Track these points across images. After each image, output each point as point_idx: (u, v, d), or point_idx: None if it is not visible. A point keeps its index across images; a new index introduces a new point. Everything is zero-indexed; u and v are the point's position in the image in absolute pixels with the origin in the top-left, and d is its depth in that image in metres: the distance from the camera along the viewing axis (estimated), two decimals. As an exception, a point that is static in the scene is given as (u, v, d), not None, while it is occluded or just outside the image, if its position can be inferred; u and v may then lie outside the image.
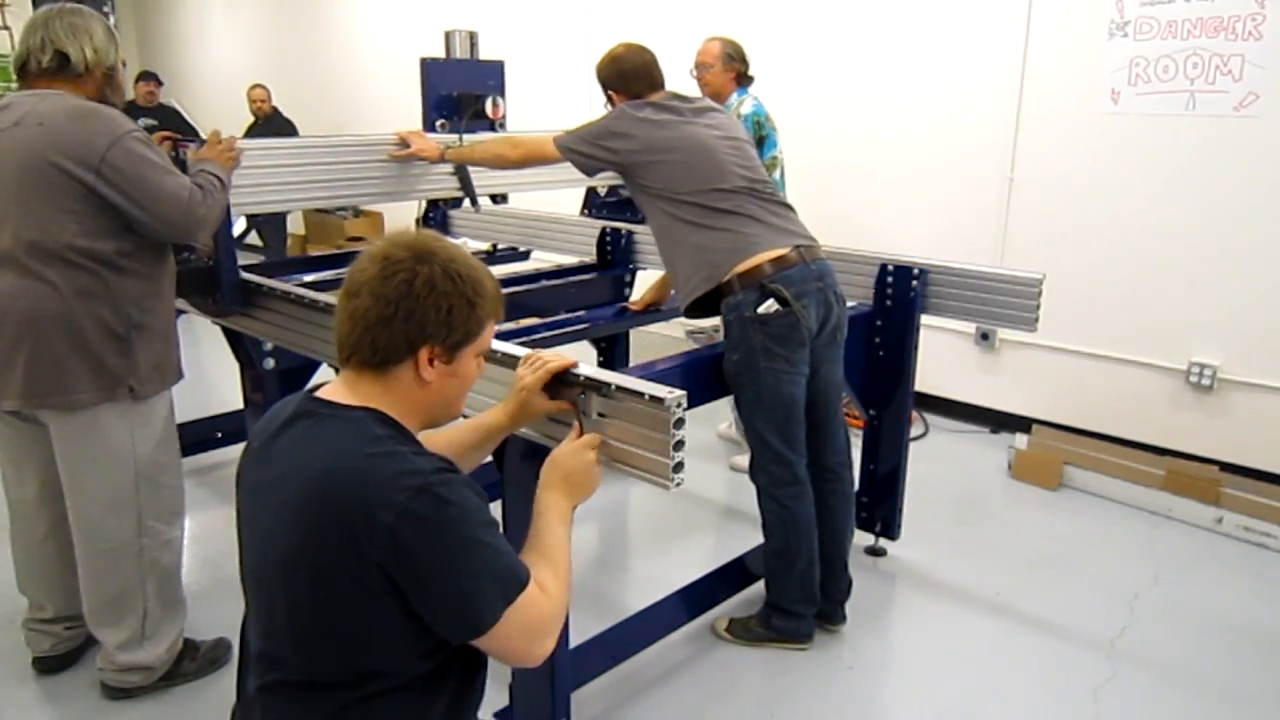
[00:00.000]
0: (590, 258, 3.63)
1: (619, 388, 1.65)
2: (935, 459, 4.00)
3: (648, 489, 2.14)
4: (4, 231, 2.02)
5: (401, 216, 5.87)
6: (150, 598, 2.31)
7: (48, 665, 2.46)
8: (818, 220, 2.76)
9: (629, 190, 2.54)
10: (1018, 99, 4.02)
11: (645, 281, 3.44)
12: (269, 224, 7.06)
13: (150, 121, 6.33)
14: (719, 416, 4.26)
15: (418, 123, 3.50)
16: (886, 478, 3.05)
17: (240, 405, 3.11)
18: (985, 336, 4.35)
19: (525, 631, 1.20)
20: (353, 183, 2.99)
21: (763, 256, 2.31)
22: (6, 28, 6.78)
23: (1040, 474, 3.78)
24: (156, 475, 2.27)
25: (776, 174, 3.54)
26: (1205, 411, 3.75)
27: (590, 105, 3.28)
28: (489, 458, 1.73)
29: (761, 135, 3.46)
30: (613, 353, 3.86)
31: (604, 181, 3.51)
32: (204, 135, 2.49)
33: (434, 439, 1.48)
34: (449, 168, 3.17)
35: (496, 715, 2.10)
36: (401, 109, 4.26)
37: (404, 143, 3.04)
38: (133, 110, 6.36)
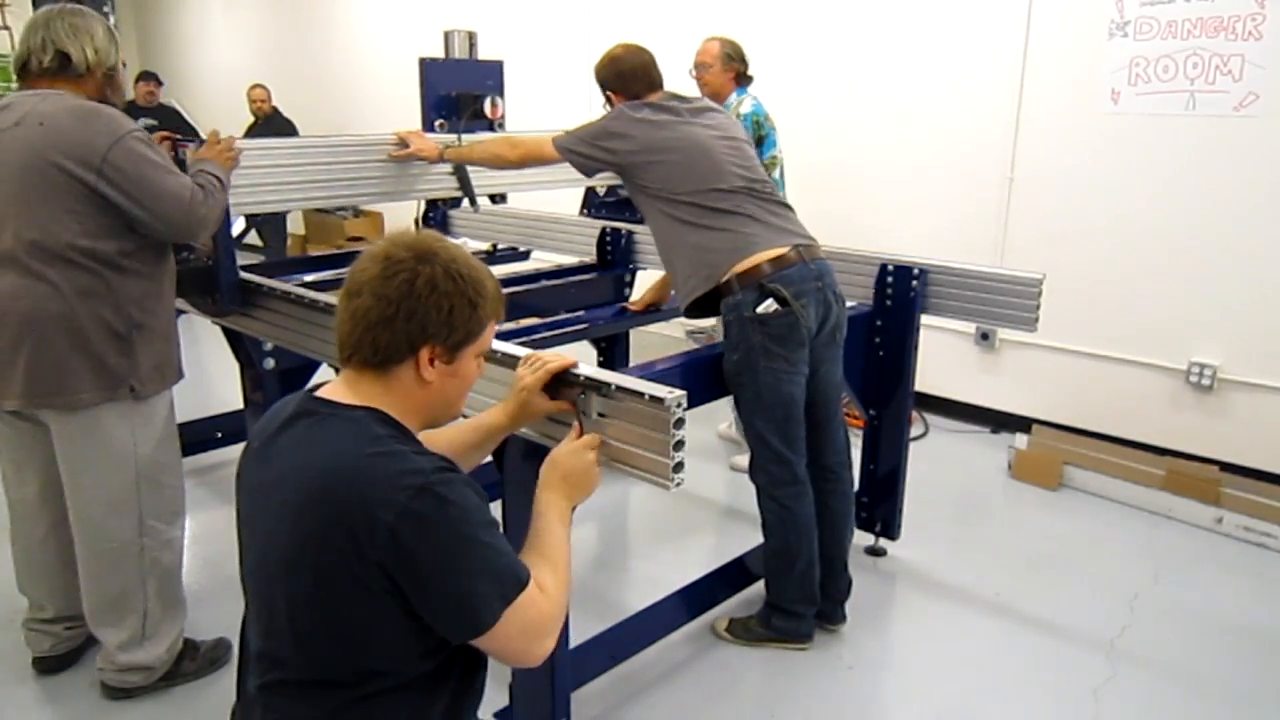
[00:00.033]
0: (590, 258, 3.63)
1: (619, 388, 1.65)
2: (935, 459, 4.00)
3: (648, 489, 2.14)
4: (5, 231, 2.02)
5: (401, 216, 5.88)
6: (151, 597, 2.31)
7: (48, 665, 2.46)
8: (817, 220, 2.76)
9: (628, 191, 2.54)
10: (1018, 99, 4.02)
11: (645, 281, 3.44)
12: (269, 224, 7.06)
13: (150, 121, 6.32)
14: (719, 416, 4.26)
15: (417, 123, 3.50)
16: (886, 478, 3.05)
17: (240, 405, 3.11)
18: (985, 336, 4.35)
19: (525, 632, 1.20)
20: (352, 183, 3.00)
21: (761, 256, 2.31)
22: (6, 28, 6.77)
23: (1040, 474, 3.78)
24: (157, 475, 2.27)
25: (776, 173, 3.54)
26: (1205, 411, 3.75)
27: (590, 105, 3.28)
28: (489, 458, 1.73)
29: (761, 135, 3.46)
30: (613, 353, 3.86)
31: (603, 182, 3.51)
32: (204, 135, 2.49)
33: (434, 439, 1.48)
34: (448, 168, 3.17)
35: (496, 715, 2.10)
36: (401, 109, 4.26)
37: (403, 143, 3.04)
38: (133, 110, 6.35)
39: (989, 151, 4.14)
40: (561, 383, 1.70)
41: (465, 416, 1.61)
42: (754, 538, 2.71)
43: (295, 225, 8.08)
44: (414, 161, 3.09)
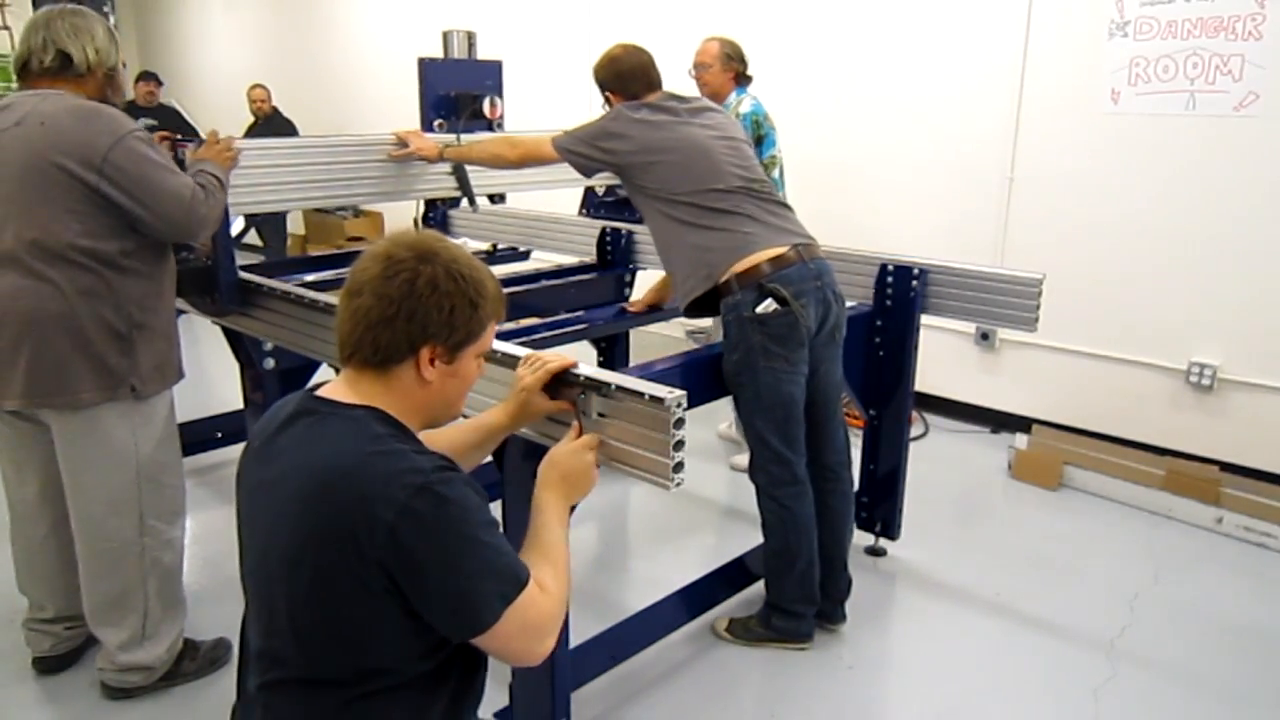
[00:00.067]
0: (590, 258, 3.62)
1: (619, 388, 1.65)
2: (935, 459, 4.00)
3: (648, 489, 2.14)
4: (6, 231, 2.02)
5: (402, 216, 5.88)
6: (151, 597, 2.31)
7: (48, 665, 2.46)
8: (817, 220, 2.76)
9: (626, 191, 2.54)
10: (1018, 99, 4.02)
11: (645, 281, 3.44)
12: (269, 224, 7.06)
13: (150, 121, 6.32)
14: (719, 416, 4.26)
15: (417, 123, 3.50)
16: (886, 478, 3.05)
17: (240, 405, 3.11)
18: (985, 336, 4.35)
19: (525, 631, 1.20)
20: (351, 183, 3.00)
21: (761, 255, 2.31)
22: (6, 28, 6.77)
23: (1040, 474, 3.78)
24: (158, 475, 2.27)
25: (775, 173, 3.54)
26: (1205, 411, 3.75)
27: (589, 105, 3.28)
28: (489, 457, 1.73)
29: (760, 134, 3.46)
30: (613, 353, 3.86)
31: (602, 182, 3.51)
32: (204, 135, 2.49)
33: (434, 438, 1.48)
34: (447, 168, 3.17)
35: (496, 715, 2.10)
36: (401, 109, 4.26)
37: (402, 142, 3.04)
38: (133, 110, 6.35)
39: (989, 151, 4.14)
40: (561, 383, 1.70)
41: (465, 416, 1.62)
42: (754, 538, 2.71)
43: (295, 225, 8.08)
44: (413, 161, 3.09)
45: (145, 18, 10.47)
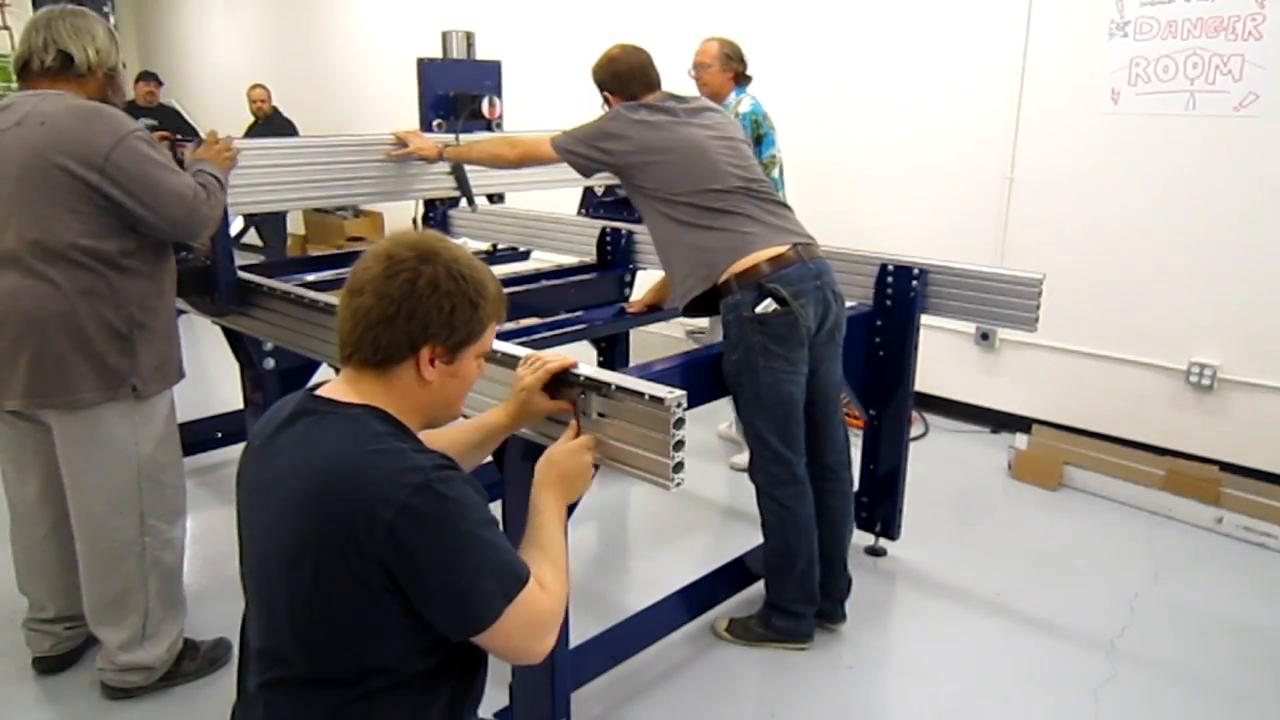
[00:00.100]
0: (590, 258, 3.63)
1: (619, 388, 1.65)
2: (935, 459, 4.00)
3: (648, 489, 2.14)
4: (7, 231, 2.02)
5: (402, 217, 5.88)
6: (152, 597, 2.31)
7: (48, 665, 2.46)
8: (817, 219, 2.76)
9: (625, 191, 2.54)
10: (1018, 99, 4.02)
11: (646, 282, 3.44)
12: (268, 224, 7.06)
13: (150, 121, 6.32)
14: (719, 416, 4.26)
15: (417, 123, 3.50)
16: (886, 478, 3.05)
17: (240, 405, 3.11)
18: (985, 336, 4.35)
19: (526, 628, 1.20)
20: (350, 183, 3.00)
21: (760, 255, 2.31)
22: (6, 28, 6.76)
23: (1040, 474, 3.78)
24: (158, 474, 2.27)
25: (775, 173, 3.55)
26: (1205, 411, 3.75)
27: (589, 105, 3.28)
28: (489, 457, 1.73)
29: (760, 134, 3.47)
30: (613, 353, 3.86)
31: (601, 182, 3.51)
32: (204, 135, 2.49)
33: (434, 438, 1.48)
34: (446, 167, 3.17)
35: (496, 715, 2.10)
36: (401, 109, 4.26)
37: (401, 142, 3.04)
38: (133, 110, 6.33)
39: (989, 151, 4.14)
40: (561, 383, 1.70)
41: (465, 416, 1.62)
42: (754, 538, 2.71)
43: (295, 225, 8.08)
44: (412, 161, 3.09)
45: (145, 18, 10.47)
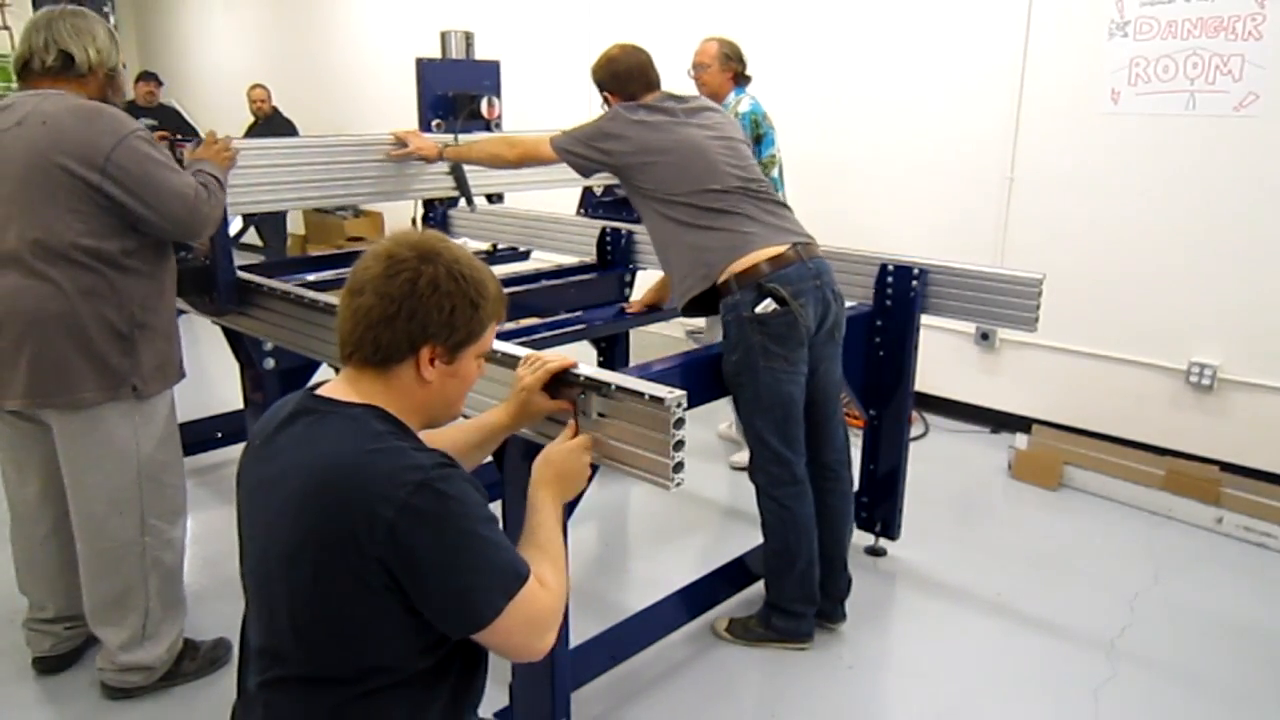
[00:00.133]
0: (590, 258, 3.63)
1: (619, 388, 1.65)
2: (935, 459, 4.00)
3: (648, 489, 2.14)
4: (9, 231, 2.02)
5: (402, 217, 5.88)
6: (152, 597, 2.31)
7: (48, 665, 2.46)
8: (816, 219, 2.76)
9: (625, 191, 2.54)
10: (1018, 99, 4.02)
11: (645, 282, 3.44)
12: (268, 224, 7.06)
13: (150, 121, 6.32)
14: (719, 416, 4.26)
15: (416, 123, 3.50)
16: (886, 478, 3.05)
17: (240, 405, 3.11)
18: (985, 336, 4.35)
19: (526, 626, 1.20)
20: (350, 183, 3.00)
21: (759, 255, 2.31)
22: (6, 28, 6.76)
23: (1040, 474, 3.78)
24: (159, 474, 2.27)
25: (774, 173, 3.55)
26: (1205, 411, 3.75)
27: (588, 105, 3.28)
28: (489, 457, 1.73)
29: (759, 134, 3.47)
30: (613, 353, 3.86)
31: (600, 181, 3.51)
32: (204, 135, 2.50)
33: (435, 438, 1.48)
34: (445, 167, 3.17)
35: (497, 715, 2.10)
36: (401, 109, 4.26)
37: (401, 142, 3.04)
38: (133, 110, 6.31)
39: (989, 151, 4.14)
40: (561, 383, 1.70)
41: (465, 416, 1.62)
42: (754, 538, 2.71)
43: (295, 225, 8.08)
44: (412, 161, 3.09)
45: (145, 18, 10.47)
